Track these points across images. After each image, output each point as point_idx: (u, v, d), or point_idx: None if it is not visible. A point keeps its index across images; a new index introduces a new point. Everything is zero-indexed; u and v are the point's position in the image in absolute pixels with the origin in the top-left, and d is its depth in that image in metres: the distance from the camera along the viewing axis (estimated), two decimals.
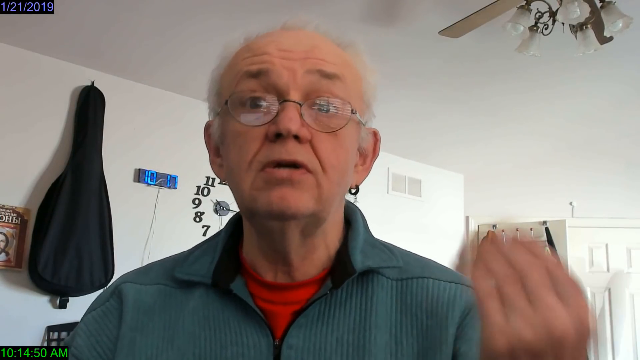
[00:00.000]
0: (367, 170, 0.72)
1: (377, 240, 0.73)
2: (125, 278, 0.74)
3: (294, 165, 0.61)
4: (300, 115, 0.61)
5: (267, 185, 0.61)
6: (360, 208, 0.75)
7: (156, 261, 0.77)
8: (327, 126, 0.63)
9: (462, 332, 0.65)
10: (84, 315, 0.73)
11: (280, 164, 0.60)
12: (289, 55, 0.64)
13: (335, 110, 0.63)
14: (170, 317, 0.68)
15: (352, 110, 0.64)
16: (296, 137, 0.60)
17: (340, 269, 0.66)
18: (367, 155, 0.72)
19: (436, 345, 0.64)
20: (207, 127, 0.72)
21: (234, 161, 0.64)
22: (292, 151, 0.60)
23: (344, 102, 0.64)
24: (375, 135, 0.73)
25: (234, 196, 0.66)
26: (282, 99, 0.62)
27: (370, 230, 0.74)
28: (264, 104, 0.62)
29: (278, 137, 0.60)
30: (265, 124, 0.62)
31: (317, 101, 0.63)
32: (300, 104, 0.62)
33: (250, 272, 0.68)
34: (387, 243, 0.73)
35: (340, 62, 0.66)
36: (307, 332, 0.64)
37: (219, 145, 0.69)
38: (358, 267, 0.66)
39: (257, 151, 0.62)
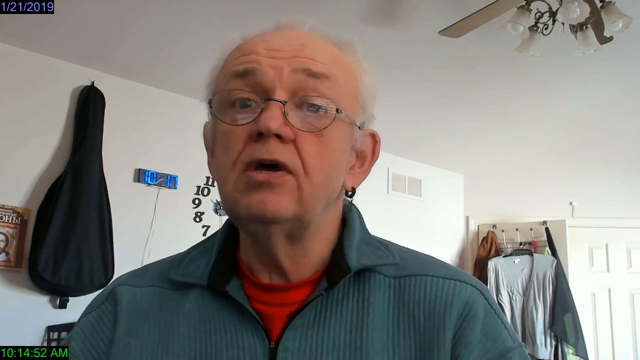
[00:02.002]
0: (365, 173, 0.71)
1: (373, 237, 0.71)
2: (121, 280, 0.74)
3: (275, 165, 0.60)
4: (284, 114, 0.60)
5: (247, 188, 0.60)
6: (357, 207, 0.74)
7: (152, 263, 0.77)
8: (312, 126, 0.61)
9: (461, 336, 0.63)
10: (80, 319, 0.73)
11: (261, 164, 0.60)
12: (277, 54, 0.63)
13: (320, 110, 0.62)
14: (165, 320, 0.68)
15: (337, 110, 0.62)
16: (279, 137, 0.59)
17: (336, 268, 0.65)
18: (366, 158, 0.71)
19: (433, 348, 0.62)
20: (204, 127, 0.71)
21: (221, 162, 0.63)
22: (273, 151, 0.59)
23: (328, 102, 0.62)
24: (374, 137, 0.71)
25: (220, 197, 0.65)
26: (267, 97, 0.61)
27: (367, 228, 0.72)
28: (250, 103, 0.62)
29: (260, 136, 0.59)
30: (249, 123, 0.61)
31: (302, 100, 0.62)
32: (283, 103, 0.61)
33: (246, 273, 0.68)
34: (384, 240, 0.72)
35: (330, 61, 0.65)
36: (303, 334, 0.63)
37: (213, 146, 0.69)
38: (353, 265, 0.65)
39: (241, 151, 0.61)
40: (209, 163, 0.71)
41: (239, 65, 0.63)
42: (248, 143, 0.61)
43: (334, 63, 0.65)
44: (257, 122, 0.60)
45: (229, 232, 0.72)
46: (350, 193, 0.70)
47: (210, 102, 0.65)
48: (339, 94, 0.64)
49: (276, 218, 0.60)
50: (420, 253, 0.72)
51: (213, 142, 0.68)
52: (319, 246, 0.67)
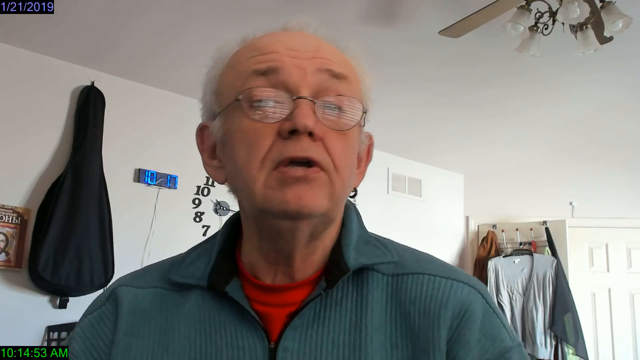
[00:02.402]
0: (362, 174, 0.72)
1: (371, 236, 0.72)
2: (122, 281, 0.74)
3: (308, 163, 0.60)
4: (314, 113, 0.61)
5: (281, 185, 0.60)
6: (357, 207, 0.74)
7: (153, 264, 0.77)
8: (338, 125, 0.63)
9: (458, 336, 0.63)
10: (81, 320, 0.73)
11: (293, 162, 0.60)
12: (298, 54, 0.64)
13: (346, 109, 0.64)
14: (166, 320, 0.68)
15: (363, 110, 0.65)
16: (310, 135, 0.60)
17: (334, 268, 0.65)
18: (362, 159, 0.72)
19: (428, 348, 0.62)
20: (202, 129, 0.71)
21: (243, 160, 0.62)
22: (307, 148, 0.60)
23: (355, 102, 0.64)
24: (370, 139, 0.73)
25: (241, 196, 0.65)
26: (295, 96, 0.61)
27: (365, 226, 0.73)
28: (275, 101, 0.62)
29: (292, 133, 0.60)
30: (278, 121, 0.61)
31: (329, 99, 0.63)
32: (314, 102, 0.62)
33: (246, 274, 0.68)
34: (382, 238, 0.72)
35: (343, 63, 0.67)
36: (303, 334, 0.63)
37: (219, 146, 0.68)
38: (351, 265, 0.65)
39: (270, 149, 0.61)
40: (206, 164, 0.70)
41: (260, 64, 0.64)
42: (276, 140, 0.61)
43: (346, 65, 0.67)
44: (290, 119, 0.60)
45: (229, 233, 0.72)
46: (353, 193, 0.71)
47: (238, 99, 0.63)
48: (354, 94, 0.66)
49: (312, 213, 0.61)
50: (419, 251, 0.72)
51: (223, 142, 0.66)
52: (324, 244, 0.67)
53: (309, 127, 0.60)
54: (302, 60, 0.63)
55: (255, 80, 0.63)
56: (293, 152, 0.60)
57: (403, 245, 0.73)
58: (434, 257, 0.72)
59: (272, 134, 0.61)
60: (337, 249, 0.67)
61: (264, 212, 0.62)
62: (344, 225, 0.71)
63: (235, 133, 0.64)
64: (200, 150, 0.71)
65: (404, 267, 0.68)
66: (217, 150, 0.68)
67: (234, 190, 0.66)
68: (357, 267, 0.66)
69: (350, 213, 0.72)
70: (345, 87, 0.64)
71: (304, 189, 0.60)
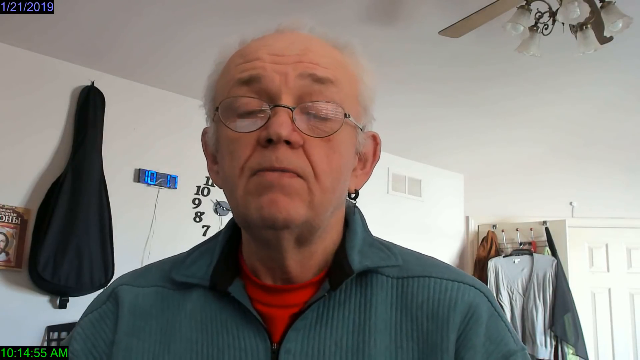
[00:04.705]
0: (367, 175, 0.71)
1: (375, 239, 0.71)
2: (123, 280, 0.74)
3: (285, 171, 0.60)
4: (292, 120, 0.60)
5: (258, 190, 0.60)
6: (359, 207, 0.74)
7: (154, 262, 0.76)
8: (319, 131, 0.62)
9: (465, 339, 0.63)
10: (81, 319, 0.73)
11: (271, 171, 0.60)
12: (281, 59, 0.63)
13: (327, 115, 0.62)
14: (167, 320, 0.68)
15: (345, 115, 0.63)
16: (288, 143, 0.59)
17: (338, 270, 0.65)
18: (367, 160, 0.71)
19: (436, 351, 0.62)
20: (204, 134, 0.71)
21: (227, 168, 0.63)
22: (283, 158, 0.59)
23: (336, 107, 0.63)
24: (375, 139, 0.71)
25: (229, 204, 0.65)
26: (274, 104, 0.61)
27: (369, 230, 0.72)
28: (256, 110, 0.61)
29: (269, 142, 0.59)
30: (257, 129, 0.61)
31: (309, 105, 0.62)
32: (291, 109, 0.61)
33: (249, 275, 0.68)
34: (386, 241, 0.72)
35: (334, 65, 0.65)
36: (305, 336, 0.63)
37: (215, 152, 0.68)
38: (356, 267, 0.65)
39: (249, 157, 0.61)
40: (209, 169, 0.71)
41: (243, 73, 0.63)
42: (256, 149, 0.61)
43: (337, 66, 0.65)
44: (266, 128, 0.60)
45: (232, 233, 0.72)
46: (353, 195, 0.70)
47: (217, 109, 0.64)
48: (343, 97, 0.64)
49: (288, 222, 0.60)
50: (422, 254, 0.72)
51: (216, 148, 0.67)
52: (323, 248, 0.67)
53: (282, 136, 0.58)
54: (285, 65, 0.62)
55: (239, 89, 0.63)
56: (269, 162, 0.59)
57: (407, 249, 0.72)
58: (438, 260, 0.71)
59: (252, 143, 0.61)
60: (341, 251, 0.67)
61: (245, 219, 0.62)
62: (348, 227, 0.70)
63: (221, 141, 0.65)
64: (205, 155, 0.71)
65: (409, 270, 0.67)
66: (216, 156, 0.69)
67: (226, 196, 0.66)
68: (362, 269, 0.65)
69: (355, 216, 0.72)
70: (331, 91, 0.63)
71: (279, 195, 0.59)
